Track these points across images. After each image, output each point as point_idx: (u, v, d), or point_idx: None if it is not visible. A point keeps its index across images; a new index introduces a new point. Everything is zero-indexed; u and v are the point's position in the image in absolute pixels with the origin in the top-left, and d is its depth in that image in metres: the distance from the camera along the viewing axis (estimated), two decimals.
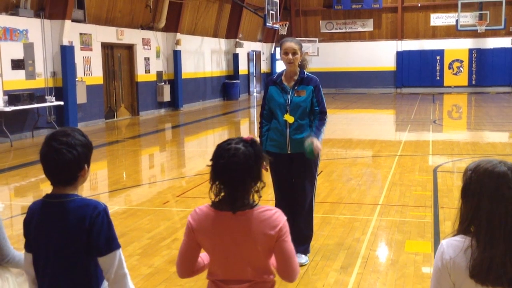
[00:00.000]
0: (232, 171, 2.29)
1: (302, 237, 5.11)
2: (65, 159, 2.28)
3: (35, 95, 13.89)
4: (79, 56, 16.03)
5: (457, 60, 29.60)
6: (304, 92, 4.96)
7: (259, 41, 31.00)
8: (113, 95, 18.52)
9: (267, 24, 22.55)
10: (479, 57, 29.25)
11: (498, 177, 1.99)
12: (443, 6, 29.94)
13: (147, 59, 19.89)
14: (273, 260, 2.41)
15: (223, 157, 2.31)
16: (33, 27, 14.45)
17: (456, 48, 29.46)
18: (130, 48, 19.16)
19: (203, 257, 2.51)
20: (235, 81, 26.40)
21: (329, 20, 31.63)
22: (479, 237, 1.99)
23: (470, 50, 29.35)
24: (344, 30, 31.45)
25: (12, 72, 13.80)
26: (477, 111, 20.74)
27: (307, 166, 4.99)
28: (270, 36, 31.70)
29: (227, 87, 26.18)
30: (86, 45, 16.56)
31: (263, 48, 31.54)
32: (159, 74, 20.69)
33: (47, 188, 2.57)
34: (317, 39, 30.57)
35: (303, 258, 5.08)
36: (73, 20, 15.48)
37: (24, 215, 2.46)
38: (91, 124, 16.71)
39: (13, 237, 5.57)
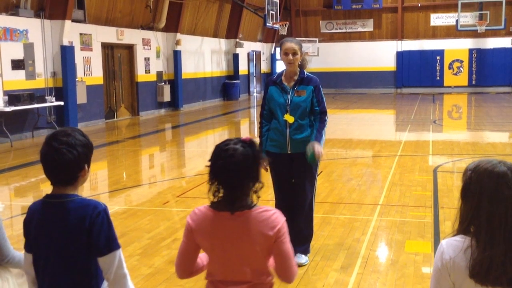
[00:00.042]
0: (230, 171, 2.29)
1: (302, 237, 5.11)
2: (65, 159, 2.28)
3: (35, 95, 13.90)
4: (79, 56, 16.03)
5: (457, 60, 29.60)
6: (304, 92, 4.96)
7: (259, 41, 31.01)
8: (113, 95, 18.52)
9: (267, 24, 22.56)
10: (479, 57, 29.25)
11: (498, 177, 1.99)
12: (443, 6, 29.94)
13: (147, 59, 19.89)
14: (271, 261, 2.41)
15: (221, 157, 2.31)
16: (33, 27, 14.45)
17: (456, 48, 29.46)
18: (130, 48, 19.16)
19: (202, 257, 2.51)
20: (235, 81, 26.40)
21: (329, 20, 31.63)
22: (479, 237, 1.99)
23: (470, 50, 29.35)
24: (344, 30, 31.46)
25: (12, 72, 13.80)
26: (477, 111, 20.74)
27: (307, 166, 4.99)
28: (270, 36, 31.71)
29: (227, 87, 26.18)
30: (86, 45, 16.56)
31: (263, 48, 31.54)
32: (159, 74, 20.70)
33: (47, 188, 2.57)
34: (317, 39, 30.58)
35: (303, 258, 5.09)
36: (73, 20, 15.48)
37: (24, 215, 2.46)
38: (91, 124, 16.71)
39: (13, 237, 5.57)
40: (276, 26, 23.55)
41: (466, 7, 27.69)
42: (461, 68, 29.63)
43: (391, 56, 30.56)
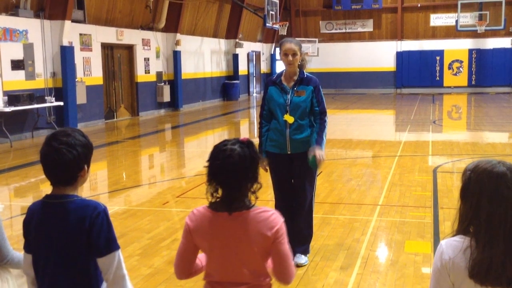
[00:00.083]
0: (228, 172, 2.30)
1: (302, 237, 5.12)
2: (65, 159, 2.28)
3: (35, 96, 13.89)
4: (79, 56, 16.03)
5: (457, 61, 29.61)
6: (304, 92, 4.96)
7: (259, 41, 31.01)
8: (113, 95, 18.52)
9: (267, 24, 22.56)
10: (478, 57, 29.25)
11: (497, 177, 1.99)
12: (443, 6, 29.95)
13: (147, 60, 19.89)
14: (269, 263, 2.41)
15: (218, 158, 2.32)
16: (33, 27, 14.45)
17: (456, 48, 29.47)
18: (130, 48, 19.16)
19: (201, 258, 2.51)
20: (235, 81, 26.40)
21: (329, 20, 31.63)
22: (478, 237, 1.99)
23: (470, 51, 29.36)
24: (344, 31, 31.46)
25: (12, 73, 13.80)
26: (477, 112, 20.75)
27: (307, 166, 4.99)
28: (270, 36, 31.71)
29: (227, 87, 26.18)
30: (86, 45, 16.56)
31: (263, 48, 31.54)
32: (159, 74, 20.70)
33: (47, 188, 2.57)
34: (317, 39, 30.57)
35: (303, 259, 5.09)
36: (73, 21, 15.48)
37: (24, 216, 2.46)
38: (91, 124, 16.71)
39: (13, 238, 5.57)
40: (276, 26, 23.56)
41: (466, 7, 27.69)
42: (460, 69, 29.63)
43: (391, 56, 30.56)
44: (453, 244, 2.04)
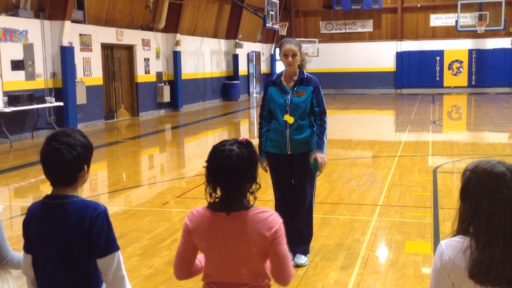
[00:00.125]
0: (226, 172, 2.30)
1: (302, 237, 5.12)
2: (65, 159, 2.28)
3: (35, 96, 13.90)
4: (79, 56, 16.03)
5: (456, 61, 29.61)
6: (304, 92, 4.96)
7: (259, 41, 31.01)
8: (113, 95, 18.53)
9: (267, 24, 22.57)
10: (478, 57, 29.26)
11: (497, 177, 1.99)
12: (442, 6, 29.95)
13: (147, 60, 19.89)
14: (268, 264, 2.41)
15: (217, 158, 2.32)
16: (33, 28, 14.45)
17: (456, 48, 29.47)
18: (130, 48, 19.16)
19: (201, 259, 2.51)
20: (235, 81, 26.40)
21: (328, 20, 31.64)
22: (478, 238, 1.99)
23: (470, 51, 29.36)
24: (343, 31, 31.46)
25: (12, 73, 13.80)
26: (477, 112, 20.75)
27: (307, 166, 4.99)
28: (270, 36, 31.72)
29: (227, 87, 26.18)
30: (86, 45, 16.56)
31: (263, 48, 31.55)
32: (159, 74, 20.70)
33: (47, 189, 2.57)
34: (317, 39, 30.58)
35: (303, 259, 5.09)
36: (73, 21, 15.49)
37: (24, 216, 2.46)
38: (91, 124, 16.71)
39: (13, 238, 5.57)
40: (276, 26, 23.56)
41: (466, 7, 27.70)
42: (460, 69, 29.64)
43: (391, 56, 30.57)
44: (453, 244, 2.04)
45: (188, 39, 22.52)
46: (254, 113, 21.24)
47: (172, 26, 20.91)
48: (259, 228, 2.32)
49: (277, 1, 23.51)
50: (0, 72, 13.42)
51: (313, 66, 29.17)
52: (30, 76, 14.33)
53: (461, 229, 2.06)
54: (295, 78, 5.00)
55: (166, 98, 20.75)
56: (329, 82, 29.39)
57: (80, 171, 2.34)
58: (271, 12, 22.71)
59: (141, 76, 19.58)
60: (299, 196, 5.06)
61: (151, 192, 8.49)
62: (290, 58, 4.89)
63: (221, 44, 26.13)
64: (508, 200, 1.97)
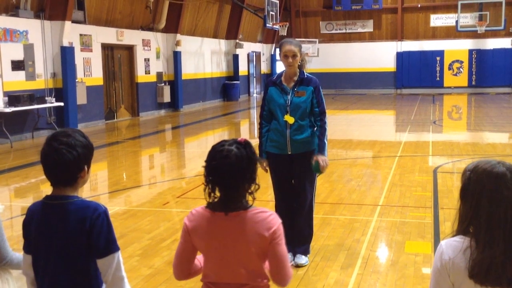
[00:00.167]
0: (224, 172, 2.30)
1: (302, 237, 5.12)
2: (65, 159, 2.28)
3: (35, 96, 13.90)
4: (79, 57, 16.04)
5: (457, 61, 29.61)
6: (304, 92, 4.96)
7: (259, 42, 31.01)
8: (113, 96, 18.53)
9: (267, 25, 22.57)
10: (479, 57, 29.26)
11: (496, 177, 1.99)
12: (443, 7, 29.95)
13: (147, 60, 19.90)
14: (266, 264, 2.40)
15: (215, 158, 2.32)
16: (33, 28, 14.45)
17: (456, 48, 29.47)
18: (130, 49, 19.17)
19: (200, 259, 2.50)
20: (235, 82, 26.41)
21: (329, 21, 31.64)
22: (478, 238, 1.99)
23: (470, 51, 29.36)
24: (344, 31, 31.47)
25: (12, 73, 13.81)
26: (477, 112, 20.75)
27: (307, 166, 4.99)
28: (270, 37, 31.72)
29: (227, 88, 26.19)
30: (86, 46, 16.57)
31: (263, 49, 31.55)
32: (159, 75, 20.70)
33: (47, 189, 2.57)
34: (317, 40, 30.58)
35: (303, 259, 5.09)
36: (73, 21, 15.49)
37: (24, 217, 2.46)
38: (91, 125, 16.71)
39: (13, 238, 5.57)
40: (276, 27, 23.56)
41: (466, 7, 27.70)
42: (461, 69, 29.64)
43: (391, 56, 30.57)
44: (453, 245, 2.04)
45: (188, 39, 22.52)
46: (254, 113, 21.24)
47: (172, 26, 20.92)
48: (258, 228, 2.32)
49: (277, 1, 23.51)
50: (0, 72, 13.42)
51: (313, 66, 29.18)
52: (31, 76, 14.33)
53: (461, 229, 2.06)
54: (295, 78, 5.00)
55: (166, 98, 20.76)
56: (329, 82, 29.39)
57: (80, 172, 2.34)
58: (271, 12, 22.71)
59: (141, 76, 19.59)
60: (300, 196, 5.07)
61: (151, 192, 8.49)
62: (290, 59, 4.89)
63: (221, 44, 26.14)
64: (508, 200, 1.97)
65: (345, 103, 24.48)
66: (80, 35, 16.26)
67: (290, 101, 4.95)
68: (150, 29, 20.07)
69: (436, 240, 5.69)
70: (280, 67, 29.93)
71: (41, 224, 2.36)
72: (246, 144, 2.36)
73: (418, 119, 17.50)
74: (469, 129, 15.91)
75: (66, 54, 15.14)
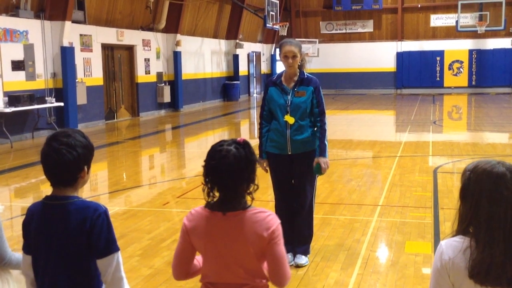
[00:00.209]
0: (222, 172, 2.30)
1: (302, 237, 5.12)
2: (65, 160, 2.28)
3: (35, 96, 13.90)
4: (79, 57, 16.04)
5: (457, 61, 29.61)
6: (304, 93, 4.96)
7: (259, 42, 31.01)
8: (113, 96, 18.53)
9: (267, 25, 22.57)
10: (479, 58, 29.26)
11: (496, 177, 1.99)
12: (443, 7, 29.95)
13: (147, 60, 19.90)
14: (265, 265, 2.40)
15: (214, 158, 2.33)
16: (33, 28, 14.45)
17: (456, 49, 29.47)
18: (130, 49, 19.17)
19: (200, 259, 2.50)
20: (235, 82, 26.41)
21: (329, 21, 31.64)
22: (478, 238, 1.99)
23: (470, 51, 29.36)
24: (344, 31, 31.47)
25: (12, 73, 13.81)
26: (477, 112, 20.75)
27: (307, 167, 5.00)
28: (270, 37, 31.72)
29: (227, 88, 26.19)
30: (86, 46, 16.57)
31: (263, 49, 31.55)
32: (159, 75, 20.70)
33: (47, 189, 2.57)
34: (317, 40, 30.59)
35: (303, 259, 5.09)
36: (73, 21, 15.49)
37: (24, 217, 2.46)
38: (91, 125, 16.71)
39: (13, 238, 5.58)
40: (276, 27, 23.56)
41: (466, 8, 27.70)
42: (461, 69, 29.64)
43: (391, 57, 30.57)
44: (453, 245, 2.04)
45: (188, 40, 22.52)
46: (255, 114, 21.24)
47: (173, 27, 20.92)
48: (256, 228, 2.32)
49: (278, 2, 23.51)
50: (0, 73, 13.42)
51: (313, 66, 29.18)
52: (31, 77, 14.33)
53: (461, 229, 2.06)
54: (296, 78, 5.00)
55: (167, 98, 20.76)
56: (329, 82, 29.39)
57: (80, 172, 2.34)
58: (271, 13, 22.71)
59: (141, 76, 19.59)
60: (300, 197, 5.07)
61: (151, 192, 8.49)
62: (290, 60, 4.89)
63: (222, 45, 26.14)
64: (508, 200, 1.97)
65: (345, 103, 24.48)
66: (80, 35, 16.26)
67: (290, 101, 4.95)
68: (150, 29, 20.07)
69: (436, 240, 5.69)
70: (280, 67, 29.92)
71: (41, 225, 2.36)
72: (245, 144, 2.36)
73: (418, 119, 17.50)
74: (469, 129, 15.91)
75: (66, 54, 15.14)
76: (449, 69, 29.76)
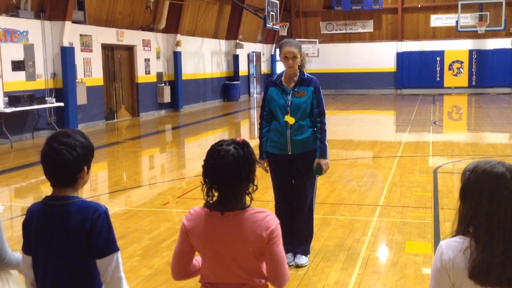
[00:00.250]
0: (221, 172, 2.30)
1: (303, 238, 5.12)
2: (65, 160, 2.28)
3: (35, 96, 13.90)
4: (79, 57, 16.04)
5: (457, 61, 29.62)
6: (304, 93, 4.96)
7: (259, 42, 31.02)
8: (113, 96, 18.53)
9: (267, 25, 22.57)
10: (479, 58, 29.26)
11: (496, 177, 1.99)
12: (443, 7, 29.95)
13: (147, 60, 19.90)
14: (264, 265, 2.40)
15: (213, 158, 2.33)
16: (33, 28, 14.46)
17: (456, 49, 29.47)
18: (130, 49, 19.17)
19: (199, 260, 2.50)
20: (235, 82, 26.41)
21: (329, 21, 31.64)
22: (478, 238, 1.99)
23: (470, 51, 29.36)
24: (344, 31, 31.47)
25: (13, 74, 13.81)
26: (477, 112, 20.75)
27: (308, 167, 5.00)
28: (270, 37, 31.72)
29: (227, 88, 26.19)
30: (86, 46, 16.57)
31: (263, 49, 31.55)
32: (159, 75, 20.71)
33: (47, 189, 2.57)
34: (317, 40, 30.59)
35: (303, 259, 5.09)
36: (73, 22, 15.49)
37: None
38: (91, 125, 16.71)
39: (14, 239, 5.58)
40: (276, 27, 23.57)
41: (466, 8, 27.70)
42: (461, 69, 29.64)
43: (391, 57, 30.57)
44: (453, 245, 2.04)
45: (188, 40, 22.52)
46: (255, 114, 21.24)
47: (173, 27, 20.92)
48: (255, 228, 2.31)
49: (278, 2, 23.52)
50: (0, 73, 13.42)
51: (313, 66, 29.19)
52: (31, 77, 14.33)
53: (461, 230, 2.06)
54: (296, 78, 5.00)
55: (167, 98, 20.76)
56: (329, 82, 29.39)
57: (80, 172, 2.34)
58: (271, 13, 22.72)
59: (141, 76, 19.59)
60: (300, 197, 5.07)
61: (151, 192, 8.49)
62: (290, 61, 4.89)
63: (222, 45, 26.14)
64: (508, 200, 1.97)
65: (345, 104, 24.48)
66: (80, 35, 16.26)
67: (291, 101, 4.95)
68: (150, 29, 20.07)
69: (436, 241, 5.69)
70: (280, 67, 29.93)
71: (41, 225, 2.36)
72: (244, 144, 2.36)
73: (418, 120, 17.50)
74: (469, 129, 15.91)
75: (66, 55, 15.14)
76: (449, 69, 29.76)
